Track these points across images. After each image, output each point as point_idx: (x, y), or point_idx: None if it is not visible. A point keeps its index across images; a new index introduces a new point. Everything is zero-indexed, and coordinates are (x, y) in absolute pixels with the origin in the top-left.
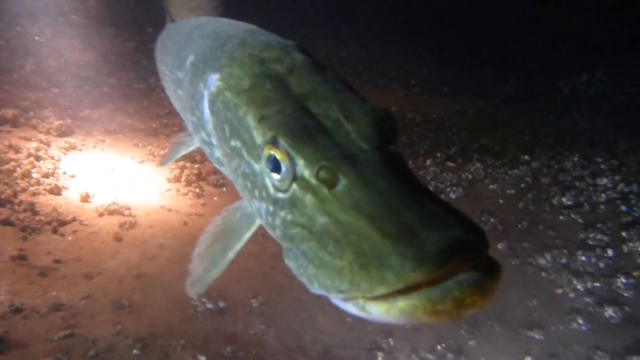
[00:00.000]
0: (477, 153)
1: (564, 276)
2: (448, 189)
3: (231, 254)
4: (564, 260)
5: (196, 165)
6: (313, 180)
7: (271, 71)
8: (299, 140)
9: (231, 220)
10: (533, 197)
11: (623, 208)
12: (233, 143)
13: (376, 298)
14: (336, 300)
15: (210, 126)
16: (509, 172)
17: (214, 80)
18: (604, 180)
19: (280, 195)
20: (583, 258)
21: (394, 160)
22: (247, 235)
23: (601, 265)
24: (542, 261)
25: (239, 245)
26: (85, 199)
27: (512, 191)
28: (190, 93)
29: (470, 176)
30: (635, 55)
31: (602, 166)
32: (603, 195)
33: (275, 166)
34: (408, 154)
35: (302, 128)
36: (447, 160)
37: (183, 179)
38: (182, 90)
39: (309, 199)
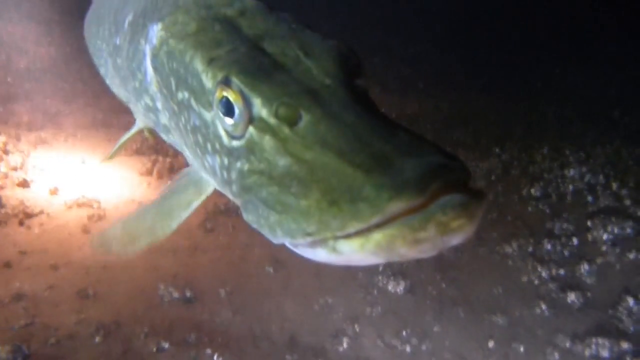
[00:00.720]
0: (450, 146)
1: (530, 264)
2: None
3: (174, 224)
4: (530, 249)
5: (168, 159)
6: (272, 120)
7: (219, 14)
8: (254, 78)
9: (178, 187)
10: (503, 188)
11: (589, 198)
12: (180, 95)
13: (349, 235)
14: (302, 248)
15: (154, 87)
16: (480, 164)
17: (156, 31)
18: (572, 172)
19: (235, 143)
20: (548, 246)
21: (361, 95)
22: (196, 203)
23: (566, 253)
24: (508, 250)
25: (185, 214)
26: (54, 192)
27: (483, 183)
28: (130, 55)
29: None
30: (605, 51)
31: (570, 158)
32: (570, 186)
33: (229, 109)
34: None
35: (257, 66)
36: None
37: (155, 172)
38: (121, 57)
39: (267, 141)
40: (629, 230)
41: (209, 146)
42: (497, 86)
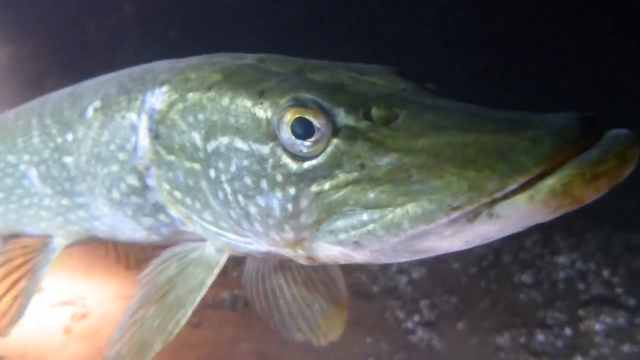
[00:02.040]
0: None
1: (523, 356)
2: (411, 268)
3: (189, 311)
4: (522, 340)
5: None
6: (362, 124)
7: (240, 64)
8: (329, 90)
9: (179, 271)
10: (495, 275)
11: (580, 286)
12: (213, 145)
13: (509, 194)
14: (437, 236)
15: (147, 161)
16: (472, 250)
17: (160, 94)
18: (562, 259)
19: (308, 165)
20: (541, 337)
21: (440, 93)
22: (210, 280)
23: (559, 344)
24: (500, 340)
25: (199, 296)
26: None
27: (475, 269)
28: (104, 140)
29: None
30: None
31: (561, 244)
32: (562, 273)
33: (304, 129)
34: None
35: (322, 84)
36: None
37: (132, 260)
38: (78, 152)
39: (360, 146)
40: (621, 320)
41: (263, 184)
42: None
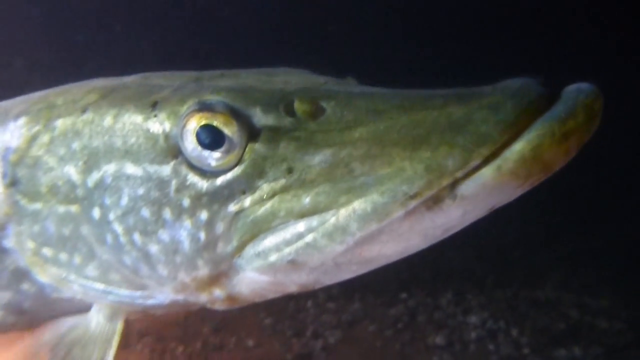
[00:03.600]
0: (358, 292)
1: None
2: (327, 332)
3: None
4: None
5: None
6: (285, 121)
7: (118, 82)
8: (241, 89)
9: (67, 349)
10: (410, 337)
11: (490, 347)
12: (97, 176)
13: (473, 170)
14: (393, 232)
15: (1, 216)
16: (388, 311)
17: (17, 128)
18: (473, 318)
19: (222, 180)
20: None
21: (364, 84)
22: (111, 353)
23: None
24: None
25: None
26: None
27: (390, 332)
28: None
29: (350, 317)
30: None
31: (472, 302)
32: (473, 333)
33: (213, 138)
34: (290, 295)
35: (230, 87)
36: (328, 301)
37: None
38: None
39: (285, 147)
40: None
41: (166, 214)
42: None
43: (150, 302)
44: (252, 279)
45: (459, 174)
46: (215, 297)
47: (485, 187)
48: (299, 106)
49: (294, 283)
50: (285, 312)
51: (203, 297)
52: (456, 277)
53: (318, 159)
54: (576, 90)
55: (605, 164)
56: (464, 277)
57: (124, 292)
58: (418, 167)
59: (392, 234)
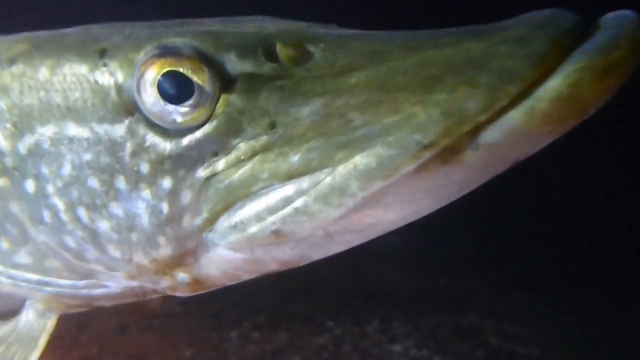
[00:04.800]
0: (285, 321)
1: None
2: None
3: None
4: None
5: None
6: (266, 68)
7: (55, 32)
8: (210, 32)
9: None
10: None
11: None
12: (30, 140)
13: (499, 112)
14: (406, 179)
15: None
16: (313, 340)
17: None
18: (398, 347)
19: (189, 140)
20: None
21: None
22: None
23: None
24: None
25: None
26: None
27: None
28: None
29: (274, 347)
30: None
31: (398, 330)
32: None
33: (179, 89)
34: (213, 325)
35: (196, 31)
36: (253, 331)
37: None
38: None
39: (266, 97)
40: None
41: (120, 183)
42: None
43: (97, 291)
44: (224, 257)
45: (482, 118)
46: (178, 281)
47: (514, 134)
48: (281, 49)
49: (275, 260)
50: (207, 343)
51: (164, 282)
52: (384, 304)
53: (307, 110)
54: (619, 18)
55: (533, 190)
56: (391, 304)
57: (65, 282)
58: (433, 112)
59: (400, 193)
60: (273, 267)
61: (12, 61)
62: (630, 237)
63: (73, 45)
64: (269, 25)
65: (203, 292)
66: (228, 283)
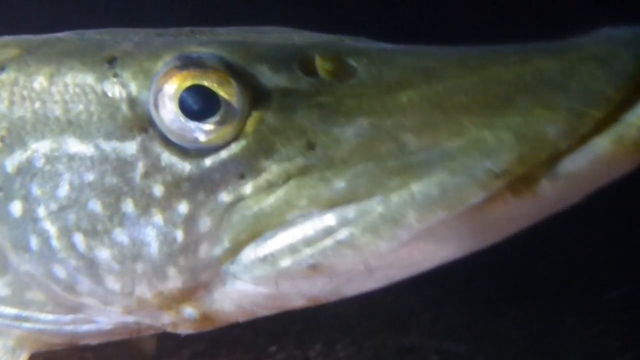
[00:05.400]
0: (226, 348)
1: None
2: None
3: None
4: None
5: None
6: (303, 83)
7: (52, 35)
8: (238, 44)
9: None
10: None
11: None
12: (21, 157)
13: (582, 139)
14: (469, 214)
15: None
16: None
17: None
18: None
19: (212, 161)
20: None
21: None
22: None
23: None
24: None
25: None
26: None
27: None
28: None
29: None
30: None
31: (341, 354)
32: None
33: (202, 104)
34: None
35: (222, 40)
36: (193, 359)
37: None
38: None
39: (303, 115)
40: None
41: (127, 207)
42: None
43: (85, 328)
44: (244, 291)
45: (562, 145)
46: (184, 317)
47: (600, 163)
48: (320, 63)
49: (302, 296)
50: None
51: (166, 318)
52: (327, 326)
53: (351, 130)
54: None
55: None
56: (334, 326)
57: (48, 318)
58: (505, 136)
59: (461, 227)
60: (298, 303)
61: (0, 67)
62: (568, 254)
63: (74, 52)
64: (298, 37)
65: (209, 329)
66: (241, 320)
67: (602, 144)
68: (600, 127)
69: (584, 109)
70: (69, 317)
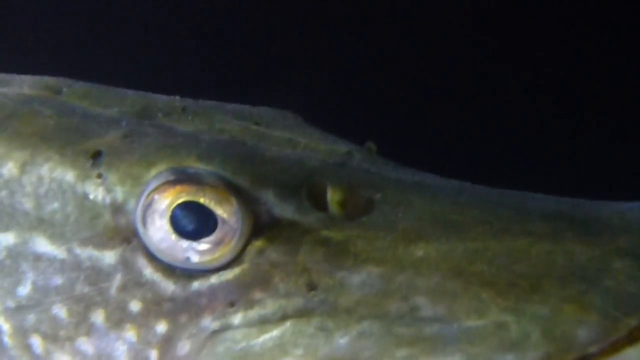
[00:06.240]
0: None
1: None
2: None
3: None
4: None
5: None
6: (310, 217)
7: (19, 93)
8: (242, 157)
9: None
10: None
11: None
12: None
13: (613, 346)
14: None
15: None
16: None
17: None
18: None
19: (201, 284)
20: None
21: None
22: None
23: None
24: None
25: None
26: None
27: None
28: None
29: None
30: None
31: None
32: None
33: (198, 222)
34: None
35: (215, 141)
36: None
37: None
38: None
39: (307, 252)
40: None
41: (97, 317)
42: None
43: None
44: None
45: (592, 350)
46: None
47: None
48: (332, 195)
49: None
50: None
51: None
52: None
53: (358, 278)
54: None
55: None
56: None
57: None
58: (530, 329)
59: None
60: None
61: None
62: None
63: (52, 136)
64: (302, 141)
65: None
66: None
67: (633, 355)
68: (633, 334)
69: (619, 315)
70: None
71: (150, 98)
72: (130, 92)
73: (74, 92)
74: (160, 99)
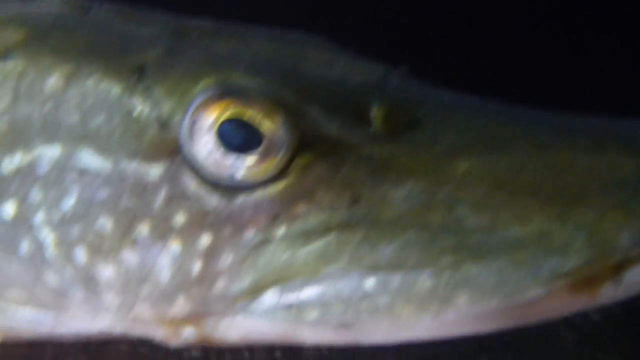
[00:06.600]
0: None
1: None
2: None
3: None
4: None
5: None
6: (356, 133)
7: (47, 11)
8: (291, 76)
9: None
10: None
11: None
12: (22, 156)
13: None
14: (521, 307)
15: None
16: None
17: None
18: None
19: (246, 198)
20: None
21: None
22: None
23: None
24: None
25: None
26: None
27: None
28: None
29: None
30: None
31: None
32: None
33: (244, 137)
34: None
35: (261, 61)
36: None
37: None
38: None
39: (351, 167)
40: None
41: (142, 229)
42: None
43: (63, 330)
44: (254, 327)
45: (634, 253)
46: (182, 335)
47: None
48: (377, 114)
49: (316, 340)
50: None
51: (160, 333)
52: None
53: (402, 192)
54: None
55: None
56: None
57: (26, 314)
58: (575, 235)
59: (509, 315)
60: (309, 343)
61: (4, 54)
62: None
63: (95, 50)
64: (339, 63)
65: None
66: (241, 345)
67: None
68: None
69: None
70: (50, 319)
71: (181, 19)
72: (158, 14)
73: (104, 11)
74: (192, 21)
